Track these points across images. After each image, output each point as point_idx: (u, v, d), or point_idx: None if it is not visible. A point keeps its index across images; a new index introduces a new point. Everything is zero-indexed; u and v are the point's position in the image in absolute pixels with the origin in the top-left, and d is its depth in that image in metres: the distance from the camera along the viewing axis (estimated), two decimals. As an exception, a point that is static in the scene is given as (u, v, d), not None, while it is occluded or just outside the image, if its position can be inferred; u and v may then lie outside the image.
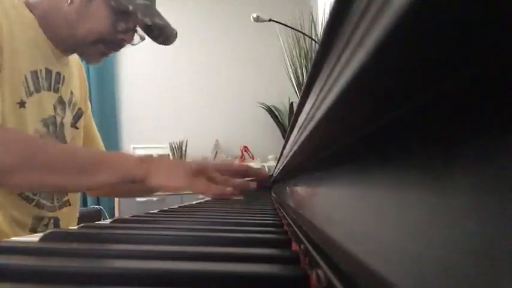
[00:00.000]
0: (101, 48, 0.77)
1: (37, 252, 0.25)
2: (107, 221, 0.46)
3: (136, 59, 2.89)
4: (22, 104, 0.69)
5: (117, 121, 2.86)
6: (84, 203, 2.52)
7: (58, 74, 0.78)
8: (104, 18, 0.73)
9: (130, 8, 0.74)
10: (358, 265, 0.13)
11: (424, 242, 0.10)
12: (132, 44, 0.82)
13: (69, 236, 0.31)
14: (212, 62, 2.90)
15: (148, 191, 0.80)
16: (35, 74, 0.72)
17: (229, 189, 0.70)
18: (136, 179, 0.65)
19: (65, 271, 0.20)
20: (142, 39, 0.83)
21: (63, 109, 0.81)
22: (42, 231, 0.71)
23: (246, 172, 0.81)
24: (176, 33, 0.84)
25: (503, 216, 0.08)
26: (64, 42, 0.76)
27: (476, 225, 0.08)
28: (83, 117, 0.88)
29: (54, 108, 0.78)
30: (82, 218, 0.87)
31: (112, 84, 2.87)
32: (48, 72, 0.75)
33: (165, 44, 0.83)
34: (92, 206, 2.43)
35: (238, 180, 0.75)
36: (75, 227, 0.38)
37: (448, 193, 0.10)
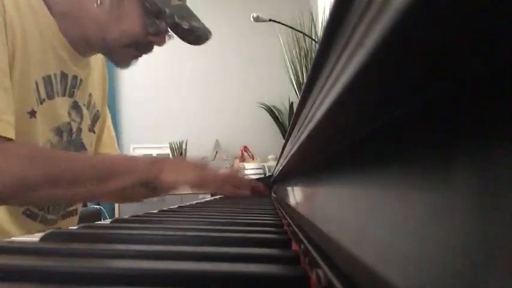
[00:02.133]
0: (133, 51, 0.73)
1: (37, 252, 0.25)
2: (107, 221, 0.46)
3: (136, 59, 2.89)
4: (33, 114, 0.65)
5: (117, 121, 2.86)
6: (84, 203, 2.52)
7: (74, 77, 0.74)
8: (137, 20, 0.68)
9: (167, 10, 0.70)
10: (358, 265, 0.13)
11: (424, 242, 0.10)
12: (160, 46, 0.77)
13: (69, 236, 0.31)
14: (212, 62, 2.90)
15: (158, 192, 0.79)
16: (48, 79, 0.67)
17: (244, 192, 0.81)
18: (150, 179, 0.67)
19: (65, 271, 0.20)
20: (170, 38, 0.77)
21: (79, 114, 0.77)
22: None
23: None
24: (210, 33, 0.79)
25: (504, 216, 0.08)
26: (89, 44, 0.71)
27: (476, 225, 0.08)
28: (99, 119, 0.86)
29: (69, 114, 0.74)
30: (82, 218, 0.86)
31: (112, 84, 2.87)
32: (64, 76, 0.71)
33: (195, 44, 0.78)
34: (92, 206, 2.43)
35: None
36: (75, 227, 0.38)
37: (448, 193, 0.10)
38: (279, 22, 1.77)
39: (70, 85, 0.73)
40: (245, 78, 2.89)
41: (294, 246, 0.28)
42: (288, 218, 0.43)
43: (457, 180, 0.10)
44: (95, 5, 0.66)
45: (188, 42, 0.77)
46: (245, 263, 0.21)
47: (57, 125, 0.71)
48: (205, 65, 2.90)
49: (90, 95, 0.80)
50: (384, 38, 0.09)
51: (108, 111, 0.94)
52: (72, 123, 0.74)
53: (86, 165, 0.64)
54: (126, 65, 0.77)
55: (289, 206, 0.50)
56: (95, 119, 0.84)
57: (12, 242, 0.31)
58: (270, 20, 1.78)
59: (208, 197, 1.10)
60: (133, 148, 2.83)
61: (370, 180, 0.17)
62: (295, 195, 0.49)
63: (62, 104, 0.71)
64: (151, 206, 2.19)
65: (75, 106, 0.75)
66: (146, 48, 0.75)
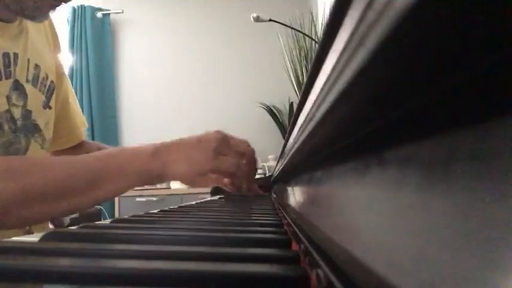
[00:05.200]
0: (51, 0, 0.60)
1: (37, 252, 0.25)
2: (107, 221, 0.46)
3: (136, 58, 2.89)
4: None
5: (117, 121, 2.86)
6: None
7: (6, 55, 0.61)
8: None
9: None
10: (358, 265, 0.13)
11: (424, 242, 0.10)
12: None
13: (69, 236, 0.31)
14: (212, 61, 2.90)
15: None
16: None
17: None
18: (153, 176, 0.57)
19: (65, 271, 0.20)
20: None
21: (22, 95, 0.65)
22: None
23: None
24: None
25: (504, 216, 0.07)
26: (5, 4, 0.59)
27: (476, 225, 0.08)
28: (55, 91, 0.74)
29: (8, 100, 0.62)
30: (82, 218, 0.86)
31: (112, 84, 2.87)
32: None
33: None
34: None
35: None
36: (75, 227, 0.38)
37: (449, 193, 0.10)
38: (279, 22, 1.77)
39: (3, 64, 0.61)
40: (245, 78, 2.89)
41: (294, 246, 0.28)
42: (288, 218, 0.43)
43: (457, 180, 0.10)
44: None
45: None
46: (245, 263, 0.21)
47: None
48: (205, 65, 2.90)
49: (37, 66, 0.68)
50: (384, 37, 0.09)
51: (68, 79, 0.83)
52: (12, 109, 0.63)
53: (65, 174, 0.53)
54: (44, 17, 0.63)
55: (289, 206, 0.50)
56: (50, 92, 0.72)
57: (12, 242, 0.31)
58: (270, 20, 1.78)
59: (208, 197, 1.10)
60: (133, 148, 2.82)
61: (370, 180, 0.17)
62: (295, 195, 0.49)
63: None
64: (151, 206, 2.20)
65: (17, 86, 0.64)
66: None
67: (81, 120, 0.89)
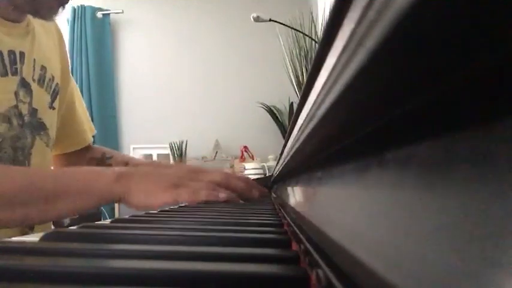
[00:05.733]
0: None
1: (37, 252, 0.25)
2: (107, 221, 0.46)
3: (136, 59, 2.89)
4: None
5: (117, 121, 2.86)
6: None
7: (12, 52, 0.64)
8: None
9: None
10: (358, 265, 0.13)
11: (424, 242, 0.10)
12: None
13: (69, 236, 0.31)
14: (212, 62, 2.90)
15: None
16: None
17: (222, 195, 0.62)
18: (115, 199, 0.57)
19: (65, 271, 0.20)
20: None
21: (29, 92, 0.68)
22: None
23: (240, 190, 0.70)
24: None
25: (504, 216, 0.08)
26: (15, 3, 0.63)
27: (477, 225, 0.08)
28: (59, 94, 0.77)
29: (16, 95, 0.65)
30: (82, 218, 0.86)
31: (112, 85, 2.87)
32: None
33: None
34: (92, 206, 2.42)
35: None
36: (75, 227, 0.38)
37: (449, 193, 0.10)
38: (279, 22, 1.77)
39: (9, 61, 0.64)
40: (245, 78, 2.89)
41: (294, 246, 0.28)
42: (288, 218, 0.43)
43: (457, 180, 0.10)
44: None
45: None
46: (245, 263, 0.21)
47: (2, 111, 0.62)
48: (205, 64, 2.90)
49: (43, 67, 0.71)
50: (384, 37, 0.09)
51: (75, 84, 0.86)
52: (20, 105, 0.66)
53: (24, 183, 0.52)
54: (54, 13, 0.66)
55: (289, 206, 0.50)
56: (55, 94, 0.75)
57: (12, 242, 0.31)
58: (270, 20, 1.78)
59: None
60: (133, 148, 2.83)
61: (371, 180, 0.17)
62: (295, 195, 0.49)
63: (4, 86, 0.63)
64: (151, 206, 2.19)
65: (24, 84, 0.67)
66: None
67: (88, 126, 0.91)
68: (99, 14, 2.90)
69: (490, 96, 0.09)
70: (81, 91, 2.76)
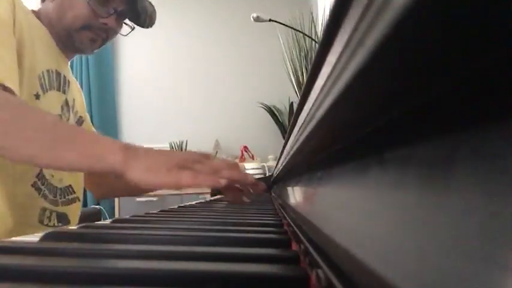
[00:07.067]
0: (89, 34, 0.80)
1: (37, 252, 0.25)
2: (107, 221, 0.46)
3: (137, 59, 2.89)
4: (37, 97, 0.72)
5: (117, 121, 2.86)
6: (84, 203, 2.52)
7: (65, 77, 0.82)
8: (84, 4, 0.77)
9: None
10: (358, 265, 0.13)
11: (424, 242, 0.10)
12: (122, 34, 0.86)
13: (69, 236, 0.31)
14: (212, 62, 2.90)
15: (137, 190, 0.77)
16: (47, 73, 0.76)
17: (222, 181, 0.59)
18: (114, 168, 0.56)
19: (65, 271, 0.20)
20: (132, 28, 0.87)
21: (68, 111, 0.83)
22: (47, 224, 0.72)
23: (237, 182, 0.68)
24: (154, 11, 0.87)
25: (504, 216, 0.08)
26: (60, 38, 0.80)
27: (476, 225, 0.08)
28: (82, 125, 0.92)
29: (62, 109, 0.80)
30: (82, 218, 0.86)
31: (112, 85, 2.87)
32: (58, 74, 0.80)
33: (149, 27, 0.87)
34: (92, 206, 2.43)
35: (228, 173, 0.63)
36: (75, 227, 0.38)
37: (448, 193, 0.10)
38: (279, 22, 1.77)
39: (63, 83, 0.82)
40: (245, 78, 2.89)
41: (294, 246, 0.28)
42: (288, 218, 0.43)
43: (457, 180, 0.10)
44: (50, 4, 0.78)
45: (140, 25, 0.86)
46: (245, 263, 0.21)
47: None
48: (206, 64, 2.90)
49: (74, 99, 0.88)
50: (384, 37, 0.09)
51: (90, 121, 1.00)
52: (63, 117, 0.80)
53: (39, 122, 0.57)
54: (89, 49, 0.82)
55: (289, 206, 0.50)
56: (79, 122, 0.90)
57: (12, 242, 0.31)
58: (270, 20, 1.78)
59: (209, 197, 1.10)
60: (134, 148, 2.82)
61: (370, 180, 0.17)
62: (295, 195, 0.49)
63: (57, 98, 0.79)
64: (151, 206, 2.20)
65: (66, 103, 0.83)
66: (100, 30, 0.80)
67: None
68: (99, 14, 2.89)
69: (490, 96, 0.09)
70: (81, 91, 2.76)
